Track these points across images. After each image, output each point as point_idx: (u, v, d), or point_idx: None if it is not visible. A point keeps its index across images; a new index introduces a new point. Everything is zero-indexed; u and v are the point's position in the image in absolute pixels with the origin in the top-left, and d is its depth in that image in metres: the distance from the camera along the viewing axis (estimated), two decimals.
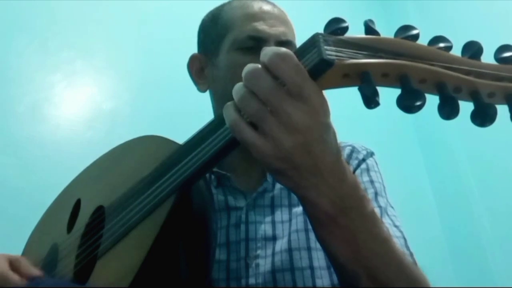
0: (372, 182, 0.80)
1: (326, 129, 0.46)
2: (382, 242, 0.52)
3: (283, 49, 0.44)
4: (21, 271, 0.68)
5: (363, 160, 0.84)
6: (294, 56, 0.44)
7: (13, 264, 0.69)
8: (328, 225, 0.48)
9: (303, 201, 0.49)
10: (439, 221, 2.31)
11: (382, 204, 0.77)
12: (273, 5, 0.86)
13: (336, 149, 0.47)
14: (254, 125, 0.45)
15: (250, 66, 0.45)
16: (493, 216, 2.09)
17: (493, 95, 0.45)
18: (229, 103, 0.47)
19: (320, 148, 0.45)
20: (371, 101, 0.43)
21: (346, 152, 0.85)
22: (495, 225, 2.07)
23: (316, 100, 0.44)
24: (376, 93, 0.43)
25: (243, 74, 0.45)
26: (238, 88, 0.46)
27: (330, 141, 0.46)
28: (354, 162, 0.83)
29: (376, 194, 0.78)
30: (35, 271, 0.69)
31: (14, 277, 0.66)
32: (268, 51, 0.45)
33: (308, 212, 0.50)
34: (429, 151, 2.43)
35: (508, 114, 0.45)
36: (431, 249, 2.11)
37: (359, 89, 0.44)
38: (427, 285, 0.59)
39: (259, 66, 0.45)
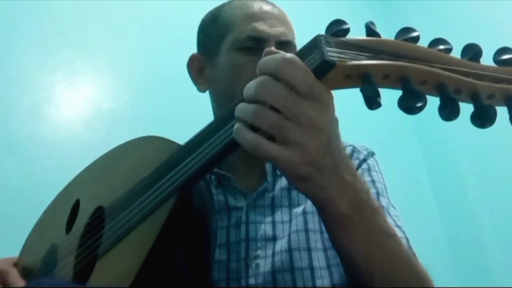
0: (373, 182, 0.80)
1: (337, 124, 0.47)
2: (391, 237, 0.52)
3: (289, 54, 0.45)
4: (8, 283, 0.68)
5: (364, 160, 0.84)
6: (299, 58, 0.45)
7: (2, 276, 0.69)
8: (344, 225, 0.48)
9: (322, 204, 0.48)
10: (439, 221, 2.31)
11: (384, 204, 0.77)
12: (273, 5, 0.86)
13: (343, 145, 0.48)
14: (271, 137, 0.45)
15: (255, 80, 0.45)
16: (493, 216, 2.09)
17: (492, 96, 0.46)
18: (237, 126, 0.46)
19: (336, 144, 0.46)
20: (372, 102, 0.43)
21: (347, 152, 0.85)
22: (495, 225, 2.07)
23: (327, 97, 0.45)
24: (377, 94, 0.43)
25: (251, 90, 0.45)
26: (244, 107, 0.45)
27: (340, 136, 0.47)
28: (355, 162, 0.83)
29: (378, 194, 0.78)
30: (22, 283, 0.69)
31: None
32: (273, 58, 0.45)
33: (326, 215, 0.49)
34: (429, 151, 2.43)
35: (508, 115, 0.45)
36: (431, 249, 2.10)
37: (361, 90, 0.44)
38: (430, 282, 0.60)
39: (266, 76, 0.44)
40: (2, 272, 0.70)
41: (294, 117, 0.43)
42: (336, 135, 0.46)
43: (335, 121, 0.46)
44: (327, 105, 0.45)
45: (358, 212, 0.48)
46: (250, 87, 0.45)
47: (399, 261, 0.53)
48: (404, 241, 0.71)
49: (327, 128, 0.45)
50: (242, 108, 0.46)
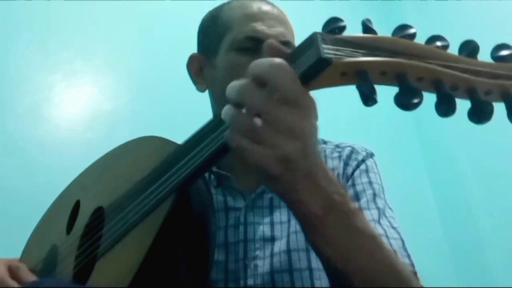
0: (370, 183, 0.80)
1: (316, 131, 0.47)
2: (370, 238, 0.52)
3: (278, 59, 0.45)
4: (19, 278, 0.68)
5: (363, 161, 0.84)
6: (288, 64, 0.45)
7: (12, 271, 0.69)
8: (317, 226, 0.48)
9: (293, 205, 0.49)
10: (439, 222, 2.31)
11: (380, 205, 0.77)
12: (272, 5, 0.86)
13: (319, 150, 0.49)
14: None
15: (236, 85, 0.46)
16: (493, 216, 2.09)
17: (489, 92, 0.46)
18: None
19: (313, 150, 0.46)
20: (369, 99, 0.43)
21: (345, 152, 0.85)
22: (495, 225, 2.07)
23: (309, 104, 0.46)
24: (373, 91, 0.43)
25: (233, 94, 0.46)
26: (225, 110, 0.47)
27: (317, 142, 0.47)
28: (354, 163, 0.83)
29: (374, 195, 0.78)
30: (34, 278, 0.69)
31: (13, 284, 0.66)
32: (262, 63, 0.45)
33: (298, 216, 0.50)
34: (429, 152, 2.43)
35: (505, 112, 0.45)
36: (432, 250, 2.11)
37: (357, 87, 0.44)
38: (415, 283, 0.59)
39: (248, 81, 0.45)
40: (13, 267, 0.70)
41: (272, 122, 0.44)
42: (314, 142, 0.46)
43: (315, 128, 0.47)
44: (309, 113, 0.45)
45: (331, 214, 0.48)
46: (232, 89, 0.46)
47: (379, 261, 0.52)
48: (399, 242, 0.71)
49: (305, 135, 0.45)
50: (224, 110, 0.47)
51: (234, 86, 0.46)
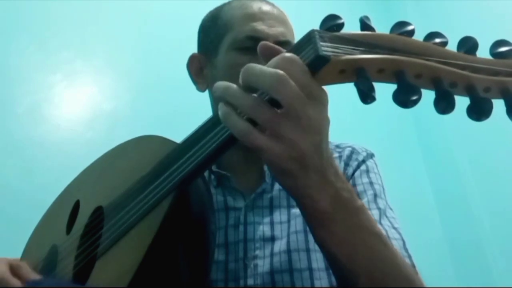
0: (371, 183, 0.80)
1: (329, 124, 0.47)
2: (376, 236, 0.52)
3: (288, 54, 0.45)
4: (21, 276, 0.68)
5: (363, 161, 0.84)
6: (298, 58, 0.44)
7: (13, 269, 0.69)
8: (325, 223, 0.48)
9: (303, 200, 0.48)
10: (439, 222, 2.31)
11: (381, 206, 0.77)
12: (273, 5, 0.86)
13: (328, 144, 0.48)
14: (254, 123, 0.45)
15: (273, 73, 0.43)
16: (493, 216, 2.09)
17: (488, 89, 0.45)
18: (225, 110, 0.46)
19: (325, 145, 0.46)
20: (367, 96, 0.43)
21: (346, 153, 0.85)
22: (495, 226, 2.07)
23: (324, 97, 0.46)
24: (372, 89, 0.43)
25: (266, 83, 0.43)
26: (240, 95, 0.45)
27: (328, 136, 0.47)
28: (354, 163, 0.83)
29: (375, 195, 0.78)
30: (36, 276, 0.69)
31: (15, 282, 0.66)
32: (274, 58, 0.45)
33: (307, 212, 0.50)
34: (429, 152, 2.43)
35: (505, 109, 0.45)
36: (432, 250, 2.11)
37: (355, 85, 0.44)
38: (419, 282, 0.59)
39: (284, 73, 0.43)
40: (14, 265, 0.70)
41: (297, 117, 0.43)
42: (327, 136, 0.47)
43: (329, 122, 0.47)
44: (325, 105, 0.45)
45: (339, 210, 0.48)
46: (258, 76, 0.44)
47: (384, 260, 0.52)
48: (400, 243, 0.71)
49: (323, 129, 0.45)
50: (237, 95, 0.45)
51: (259, 72, 0.44)
